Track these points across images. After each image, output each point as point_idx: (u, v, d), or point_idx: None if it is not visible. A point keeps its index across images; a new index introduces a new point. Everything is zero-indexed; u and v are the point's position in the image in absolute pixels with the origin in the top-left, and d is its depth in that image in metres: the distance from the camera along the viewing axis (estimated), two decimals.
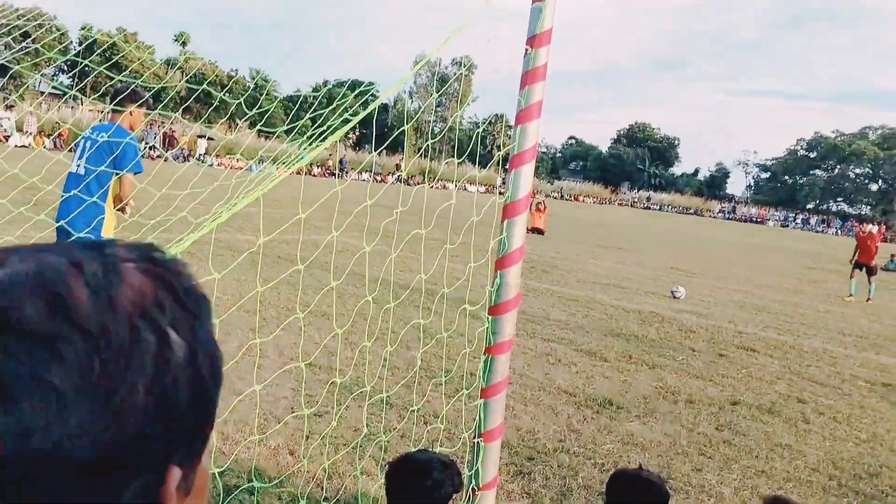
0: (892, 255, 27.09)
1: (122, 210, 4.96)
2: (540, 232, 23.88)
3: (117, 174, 4.84)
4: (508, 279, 3.15)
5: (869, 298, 15.69)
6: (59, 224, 4.73)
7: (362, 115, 3.28)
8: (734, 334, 9.86)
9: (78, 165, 4.88)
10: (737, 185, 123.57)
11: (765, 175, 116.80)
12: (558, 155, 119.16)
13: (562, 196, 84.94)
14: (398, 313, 7.63)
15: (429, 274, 3.58)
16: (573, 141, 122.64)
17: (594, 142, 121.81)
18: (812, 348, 9.62)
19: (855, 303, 15.46)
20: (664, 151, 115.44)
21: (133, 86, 5.14)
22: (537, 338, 8.07)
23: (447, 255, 3.28)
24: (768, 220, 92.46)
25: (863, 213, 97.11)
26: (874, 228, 17.23)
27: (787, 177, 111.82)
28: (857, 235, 17.08)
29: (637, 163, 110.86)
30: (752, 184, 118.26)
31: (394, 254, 3.23)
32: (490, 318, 3.10)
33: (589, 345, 8.04)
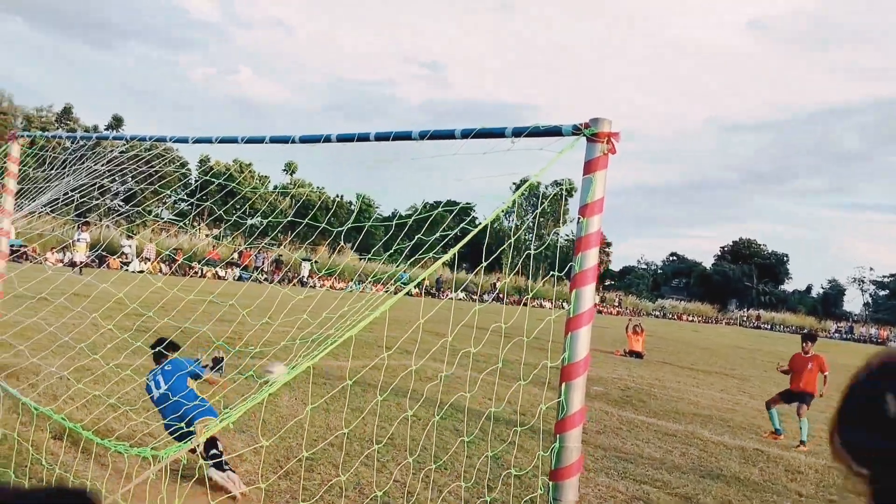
0: None
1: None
2: (639, 355, 23.23)
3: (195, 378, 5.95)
4: (573, 402, 3.12)
5: (802, 442, 10.65)
6: (167, 421, 5.58)
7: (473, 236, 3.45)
8: None
9: (161, 392, 5.75)
10: (853, 303, 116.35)
11: (883, 292, 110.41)
12: (659, 272, 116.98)
13: (664, 315, 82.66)
14: (473, 445, 7.51)
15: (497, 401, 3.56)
16: (675, 257, 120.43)
17: (697, 258, 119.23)
18: None
19: (783, 443, 10.90)
20: (772, 268, 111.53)
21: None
22: (629, 479, 7.72)
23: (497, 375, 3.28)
24: (891, 340, 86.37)
25: None
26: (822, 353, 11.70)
27: None
28: (796, 356, 11.64)
29: (744, 280, 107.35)
30: (870, 301, 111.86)
31: (443, 374, 3.24)
32: (550, 483, 3.00)
33: (685, 488, 7.61)
